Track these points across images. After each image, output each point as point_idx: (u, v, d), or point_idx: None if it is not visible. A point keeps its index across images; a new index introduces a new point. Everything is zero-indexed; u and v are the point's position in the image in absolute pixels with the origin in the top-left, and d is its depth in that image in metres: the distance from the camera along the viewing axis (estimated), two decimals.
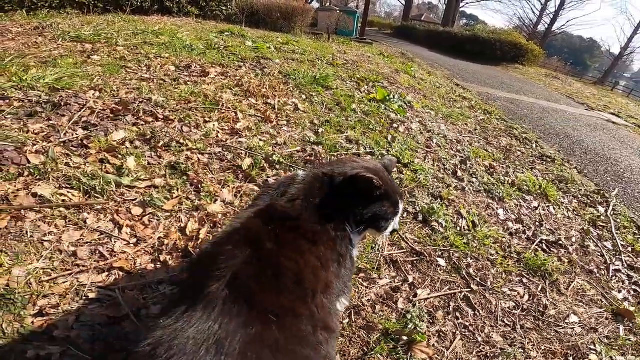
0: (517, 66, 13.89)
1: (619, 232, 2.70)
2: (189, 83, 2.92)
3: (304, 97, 3.41)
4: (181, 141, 2.07)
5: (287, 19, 7.68)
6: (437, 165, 3.02)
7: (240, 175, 2.00)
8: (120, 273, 1.30)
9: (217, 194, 1.79)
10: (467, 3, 23.64)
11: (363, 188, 0.91)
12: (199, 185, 1.80)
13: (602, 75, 21.66)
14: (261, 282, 0.68)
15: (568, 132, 5.71)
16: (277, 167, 2.16)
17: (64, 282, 1.22)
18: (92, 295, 1.19)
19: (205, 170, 1.94)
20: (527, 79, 12.14)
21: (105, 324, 1.12)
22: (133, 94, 2.47)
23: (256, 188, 1.94)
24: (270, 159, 2.18)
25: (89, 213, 1.50)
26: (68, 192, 1.54)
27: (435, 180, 2.68)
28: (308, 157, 2.39)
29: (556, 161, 3.99)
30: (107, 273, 1.29)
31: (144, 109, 2.27)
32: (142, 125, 2.13)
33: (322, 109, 3.28)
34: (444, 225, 2.14)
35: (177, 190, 1.73)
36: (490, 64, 13.20)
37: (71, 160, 1.70)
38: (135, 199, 1.62)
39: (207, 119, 2.43)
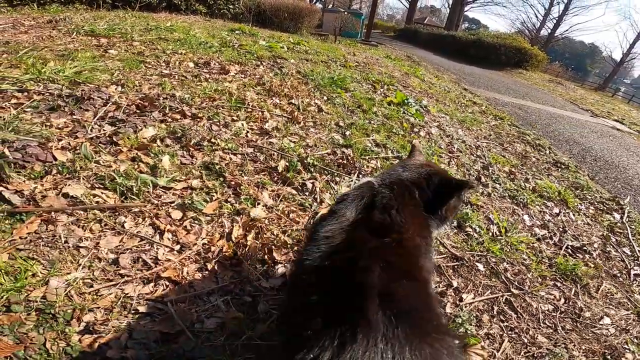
0: (520, 71, 13.93)
1: (634, 237, 2.69)
2: (210, 80, 2.81)
3: (325, 98, 3.32)
4: (212, 140, 1.96)
5: (294, 19, 7.61)
6: (461, 171, 2.98)
7: (276, 178, 1.90)
8: (167, 283, 1.19)
9: (257, 198, 1.68)
10: (471, 7, 23.90)
11: (455, 191, 0.91)
12: (238, 188, 1.70)
13: (603, 81, 21.85)
14: (405, 301, 0.59)
15: (576, 138, 5.71)
16: (312, 169, 2.06)
17: (108, 294, 1.10)
18: (141, 309, 1.09)
19: (240, 172, 1.83)
20: (531, 84, 12.19)
21: (160, 340, 1.00)
22: (156, 89, 2.36)
23: (294, 191, 1.84)
24: (305, 161, 2.07)
25: (126, 216, 1.39)
26: (102, 192, 1.42)
27: None
28: (340, 160, 2.29)
29: (570, 168, 3.97)
30: (153, 283, 1.18)
31: (170, 106, 2.16)
32: (170, 122, 2.01)
33: (345, 111, 3.20)
34: (477, 231, 2.15)
35: (216, 192, 1.62)
36: (494, 69, 13.24)
37: (101, 158, 1.59)
38: (174, 202, 1.51)
39: (235, 118, 2.32)
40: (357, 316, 0.54)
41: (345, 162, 2.29)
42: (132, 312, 1.07)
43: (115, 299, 1.09)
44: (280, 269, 1.37)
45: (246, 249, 1.39)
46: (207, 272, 1.27)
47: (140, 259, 1.26)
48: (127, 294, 1.12)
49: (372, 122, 3.17)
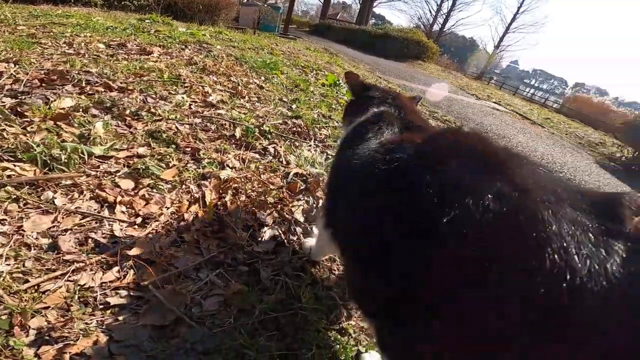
0: (420, 62, 15.67)
1: None
2: (131, 60, 2.45)
3: (262, 78, 3.21)
4: (152, 111, 1.71)
5: (209, 11, 7.20)
6: None
7: (235, 144, 1.74)
8: (139, 264, 0.96)
9: (221, 161, 1.51)
10: (379, 2, 25.76)
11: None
12: (196, 154, 1.50)
13: (480, 72, 26.12)
14: None
15: (470, 116, 6.85)
16: (269, 136, 1.95)
17: (56, 288, 0.84)
18: (112, 301, 0.86)
19: (194, 139, 1.62)
20: (429, 73, 13.81)
21: (154, 337, 0.81)
22: (62, 66, 1.95)
23: (257, 155, 1.71)
24: (261, 128, 1.95)
25: (54, 191, 1.10)
26: (14, 165, 1.10)
27: None
28: (294, 129, 2.23)
29: None
30: (118, 267, 0.94)
31: (88, 80, 1.81)
32: (93, 95, 1.68)
33: (284, 89, 3.14)
34: None
35: (172, 159, 1.40)
36: (399, 60, 14.62)
37: (5, 129, 1.23)
38: (119, 171, 1.25)
39: (172, 92, 2.07)
40: None
41: (299, 130, 2.23)
42: (101, 306, 0.84)
43: (67, 293, 0.85)
44: (269, 232, 1.25)
45: (226, 213, 1.23)
46: (186, 245, 1.08)
47: (91, 240, 1.00)
48: (84, 284, 0.88)
49: (312, 99, 3.19)
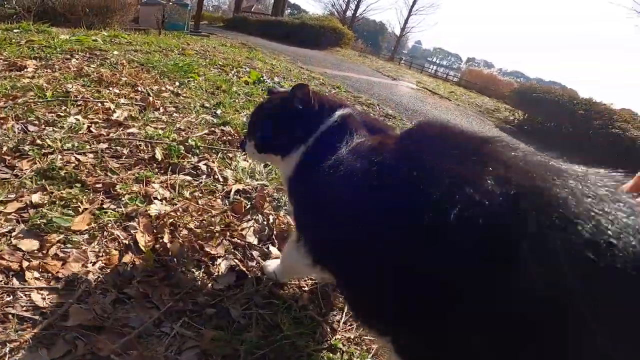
0: (337, 49, 16.06)
1: None
2: None
3: (177, 83, 2.89)
4: (38, 142, 1.38)
5: (99, 14, 6.24)
6: None
7: (157, 168, 1.51)
8: (84, 332, 0.76)
9: (146, 193, 1.28)
10: None
11: None
12: (111, 189, 1.25)
13: (391, 54, 27.92)
14: None
15: (390, 96, 7.41)
16: (197, 151, 1.75)
17: None
18: None
19: (103, 172, 1.36)
20: (347, 59, 14.29)
21: None
22: None
23: (188, 177, 1.51)
24: (187, 144, 1.73)
25: None
26: None
27: None
28: (223, 138, 2.05)
29: (396, 117, 5.07)
30: (62, 340, 0.75)
31: None
32: None
33: (205, 93, 2.88)
34: None
35: (80, 202, 1.14)
36: (318, 49, 14.76)
37: None
38: (14, 230, 0.97)
39: (61, 114, 1.70)
40: None
41: (230, 138, 2.05)
42: None
43: None
44: (224, 264, 1.11)
45: (169, 255, 1.04)
46: (133, 301, 0.89)
47: (11, 316, 0.77)
48: None
49: (237, 100, 2.99)
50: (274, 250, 1.23)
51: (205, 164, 1.62)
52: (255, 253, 1.19)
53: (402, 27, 27.93)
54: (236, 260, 1.13)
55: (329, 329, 1.01)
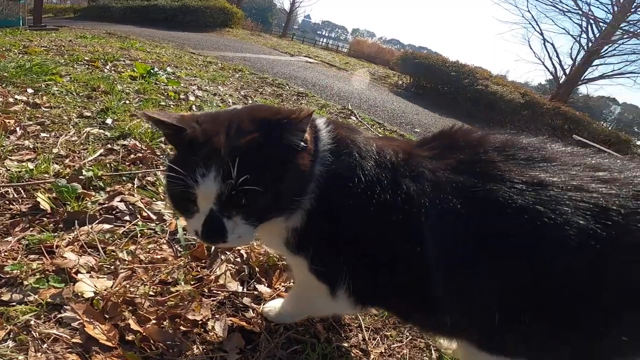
0: (228, 29, 14.92)
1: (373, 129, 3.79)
2: None
3: (30, 91, 2.13)
4: None
5: None
6: None
7: (53, 222, 1.04)
8: None
9: (58, 266, 0.85)
10: None
11: None
12: None
13: (283, 30, 27.38)
14: None
15: (293, 73, 7.26)
16: (102, 184, 1.28)
17: None
18: None
19: None
20: (240, 39, 13.50)
21: None
22: None
23: (106, 225, 1.08)
24: (80, 177, 1.24)
25: None
26: None
27: None
28: (130, 156, 1.57)
29: (308, 95, 5.04)
30: None
31: None
32: None
33: (77, 99, 2.20)
34: None
35: None
36: (206, 31, 13.46)
37: None
38: None
39: None
40: None
41: (139, 154, 1.59)
42: None
43: None
44: (218, 326, 0.86)
45: (149, 342, 0.73)
46: None
47: None
48: None
49: (129, 101, 2.39)
50: (264, 289, 1.00)
51: (122, 201, 1.19)
52: (246, 300, 0.95)
53: (292, 1, 27.45)
54: (231, 318, 0.89)
55: (361, 353, 0.93)
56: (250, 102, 3.57)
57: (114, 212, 1.16)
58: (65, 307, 0.80)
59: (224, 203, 0.60)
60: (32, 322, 0.75)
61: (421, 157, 0.67)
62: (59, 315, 0.78)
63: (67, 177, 1.23)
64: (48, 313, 0.79)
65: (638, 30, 12.96)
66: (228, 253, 1.07)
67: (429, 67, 10.38)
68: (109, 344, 0.73)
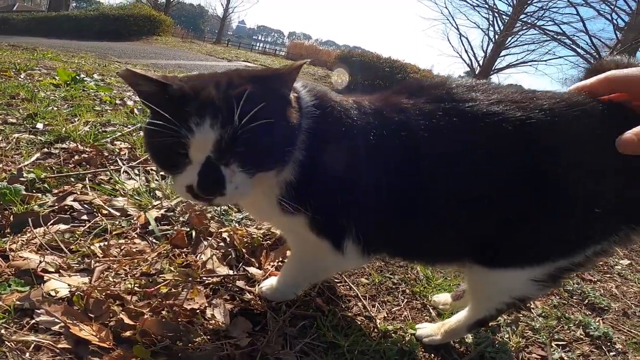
0: (156, 38, 14.01)
1: None
2: None
3: None
4: None
5: None
6: None
7: (8, 232, 0.91)
8: None
9: (18, 269, 0.76)
10: None
11: None
12: None
13: (216, 36, 26.55)
14: None
15: None
16: (47, 187, 1.16)
17: None
18: None
19: None
20: (172, 47, 12.81)
21: None
22: None
23: (63, 225, 0.98)
24: (21, 179, 1.11)
25: None
26: None
27: None
28: (75, 158, 1.44)
29: None
30: None
31: None
32: None
33: None
34: None
35: None
36: (131, 40, 12.52)
37: None
38: None
39: None
40: None
41: (86, 155, 1.45)
42: None
43: None
44: (217, 312, 0.81)
45: (151, 336, 0.67)
46: None
47: None
48: None
49: (57, 107, 2.16)
50: (255, 271, 0.97)
51: (75, 200, 1.08)
52: (240, 284, 0.91)
53: (225, 7, 26.69)
54: (229, 303, 0.85)
55: (366, 320, 0.94)
56: None
57: (68, 212, 1.05)
58: (37, 311, 0.70)
59: (223, 150, 0.59)
60: (2, 331, 0.66)
61: (396, 99, 0.73)
62: (32, 321, 0.69)
63: (4, 180, 1.08)
64: (19, 319, 0.69)
65: (535, 21, 14.63)
66: (210, 238, 1.03)
67: (365, 64, 10.95)
68: (104, 344, 0.67)
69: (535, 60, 16.40)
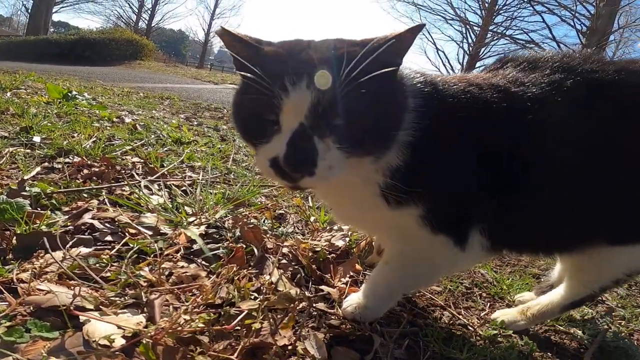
0: (139, 62, 13.89)
1: None
2: None
3: None
4: None
5: None
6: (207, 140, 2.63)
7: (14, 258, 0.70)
8: None
9: (33, 309, 0.56)
10: (61, 7, 19.79)
11: None
12: None
13: (199, 61, 26.70)
14: None
15: (224, 99, 7.01)
16: (55, 203, 0.96)
17: None
18: None
19: None
20: (156, 71, 12.73)
21: None
22: None
23: (84, 249, 0.78)
24: (24, 192, 0.91)
25: None
26: None
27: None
28: (91, 173, 1.25)
29: None
30: None
31: None
32: None
33: None
34: None
35: None
36: (113, 64, 12.35)
37: None
38: None
39: None
40: None
41: (97, 170, 1.26)
42: None
43: None
44: (308, 344, 0.65)
45: None
46: None
47: None
48: None
49: (53, 122, 1.96)
50: (329, 289, 0.80)
51: (94, 218, 0.88)
52: (320, 306, 0.74)
53: (207, 32, 26.94)
54: (317, 333, 0.67)
55: (464, 329, 0.84)
56: (195, 123, 3.22)
57: (87, 232, 0.85)
58: None
59: (319, 116, 0.48)
60: None
61: (511, 74, 0.65)
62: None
63: (2, 194, 0.87)
64: None
65: (504, 31, 15.19)
66: (270, 255, 0.85)
67: None
68: None
69: None
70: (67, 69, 9.68)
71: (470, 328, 0.83)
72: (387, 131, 0.53)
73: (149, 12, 24.80)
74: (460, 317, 0.86)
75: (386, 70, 0.50)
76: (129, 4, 23.99)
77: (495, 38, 15.84)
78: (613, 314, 1.01)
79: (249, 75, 0.51)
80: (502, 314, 0.86)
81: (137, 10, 24.25)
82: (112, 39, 13.24)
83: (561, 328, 0.89)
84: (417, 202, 0.58)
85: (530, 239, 0.72)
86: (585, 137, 0.60)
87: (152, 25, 24.98)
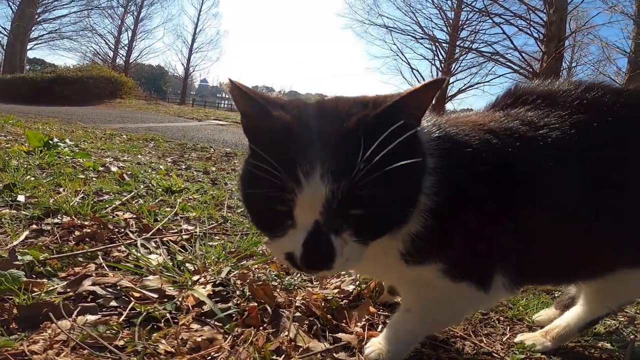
0: (119, 100, 13.77)
1: None
2: None
3: None
4: None
5: None
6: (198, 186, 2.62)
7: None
8: None
9: None
10: (36, 44, 19.42)
11: None
12: None
13: (180, 97, 26.74)
14: None
15: (210, 136, 7.11)
16: (50, 270, 0.94)
17: None
18: None
19: None
20: (137, 110, 12.69)
21: None
22: None
23: (91, 316, 0.76)
24: (16, 262, 0.88)
25: None
26: None
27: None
28: (82, 235, 1.23)
29: (237, 154, 4.89)
30: None
31: None
32: None
33: None
34: None
35: None
36: (92, 104, 12.18)
37: None
38: None
39: None
40: None
41: (88, 230, 1.25)
42: None
43: None
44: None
45: None
46: None
47: None
48: None
49: (36, 177, 1.92)
50: (346, 337, 0.80)
51: (95, 284, 0.87)
52: (341, 356, 0.74)
53: (186, 67, 27.19)
54: None
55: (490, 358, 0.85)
56: (184, 167, 3.20)
57: (89, 299, 0.84)
58: None
59: (335, 212, 0.46)
60: None
61: (516, 114, 0.69)
62: None
63: None
64: None
65: (470, 45, 15.60)
66: (284, 310, 0.85)
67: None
68: None
69: (480, 83, 17.00)
70: (45, 110, 9.51)
71: (496, 355, 0.83)
72: (408, 209, 0.53)
73: (126, 47, 24.99)
74: (483, 345, 0.87)
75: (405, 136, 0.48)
76: (104, 40, 24.12)
77: (463, 53, 16.18)
78: (635, 322, 1.04)
79: (258, 151, 0.48)
80: (526, 338, 0.87)
81: (113, 47, 24.40)
82: (90, 76, 13.07)
83: (587, 343, 0.92)
84: (437, 259, 0.60)
85: (554, 274, 0.74)
86: (604, 170, 0.64)
87: (130, 61, 25.06)
